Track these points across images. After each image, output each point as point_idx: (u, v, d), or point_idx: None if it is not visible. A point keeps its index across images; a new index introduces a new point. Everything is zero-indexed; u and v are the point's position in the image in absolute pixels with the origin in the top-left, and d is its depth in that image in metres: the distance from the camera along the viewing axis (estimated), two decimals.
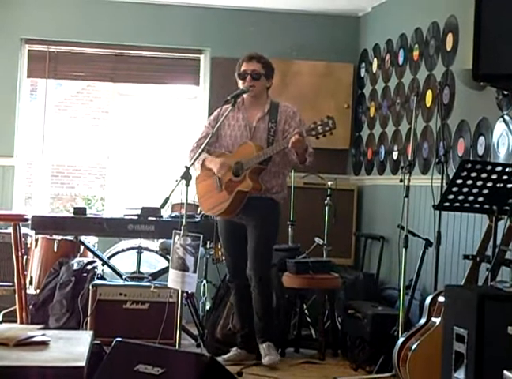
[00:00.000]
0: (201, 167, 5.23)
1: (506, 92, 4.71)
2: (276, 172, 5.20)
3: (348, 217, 6.89)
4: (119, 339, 3.57)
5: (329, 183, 6.32)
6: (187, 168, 4.55)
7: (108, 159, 7.45)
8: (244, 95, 5.23)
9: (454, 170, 4.06)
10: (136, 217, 5.70)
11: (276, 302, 5.50)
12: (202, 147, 4.94)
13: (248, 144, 5.13)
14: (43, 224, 5.64)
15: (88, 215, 5.78)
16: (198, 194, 5.33)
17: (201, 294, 6.15)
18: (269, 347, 5.15)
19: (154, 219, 5.69)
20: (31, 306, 5.59)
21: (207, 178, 5.24)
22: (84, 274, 5.67)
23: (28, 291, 5.51)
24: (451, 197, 4.02)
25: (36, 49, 7.09)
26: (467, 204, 4.07)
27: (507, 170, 3.91)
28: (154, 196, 7.56)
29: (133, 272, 5.92)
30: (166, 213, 5.93)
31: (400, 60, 6.40)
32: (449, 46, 5.54)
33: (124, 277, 5.81)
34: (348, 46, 7.28)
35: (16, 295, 5.08)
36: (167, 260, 5.74)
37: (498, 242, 3.93)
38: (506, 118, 4.75)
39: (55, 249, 5.86)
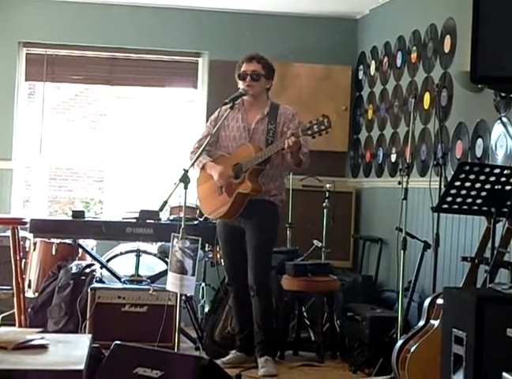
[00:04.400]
0: (200, 171, 5.23)
1: (503, 94, 4.72)
2: (274, 175, 5.19)
3: (347, 219, 6.90)
4: (118, 342, 3.57)
5: (328, 186, 6.31)
6: (186, 171, 4.55)
7: (106, 162, 7.45)
8: (244, 97, 5.23)
9: (452, 173, 4.06)
10: (134, 220, 5.70)
11: (274, 304, 5.50)
12: (202, 147, 4.94)
13: (246, 146, 5.13)
14: (41, 227, 5.64)
15: (86, 219, 5.78)
16: (199, 197, 5.33)
17: (200, 297, 6.14)
18: (267, 360, 5.10)
19: (153, 222, 5.69)
20: (29, 310, 5.58)
21: (207, 181, 5.23)
22: (83, 277, 5.66)
23: (27, 295, 5.51)
24: (449, 199, 4.02)
25: (34, 52, 7.10)
26: (465, 207, 4.07)
27: (505, 172, 3.91)
28: (152, 199, 7.55)
29: (132, 275, 5.91)
30: (164, 216, 5.93)
31: (398, 62, 6.41)
32: (447, 49, 5.54)
33: (123, 280, 5.81)
34: (346, 48, 7.29)
35: (15, 299, 5.08)
36: (166, 263, 5.74)
37: (497, 244, 3.93)
38: (504, 119, 4.75)
39: (54, 253, 5.86)
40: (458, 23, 5.38)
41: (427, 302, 4.38)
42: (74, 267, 5.73)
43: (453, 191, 3.98)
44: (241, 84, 5.22)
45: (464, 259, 4.24)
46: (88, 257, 6.04)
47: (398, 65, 6.41)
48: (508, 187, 3.94)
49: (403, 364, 4.29)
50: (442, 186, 4.90)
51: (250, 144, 5.13)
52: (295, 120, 5.18)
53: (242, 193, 5.06)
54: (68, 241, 5.85)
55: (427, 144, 5.75)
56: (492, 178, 3.92)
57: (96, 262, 5.92)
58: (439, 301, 4.22)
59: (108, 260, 6.08)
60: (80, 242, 5.84)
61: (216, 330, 5.55)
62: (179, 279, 4.43)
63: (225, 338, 5.50)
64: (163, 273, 5.68)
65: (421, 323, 4.39)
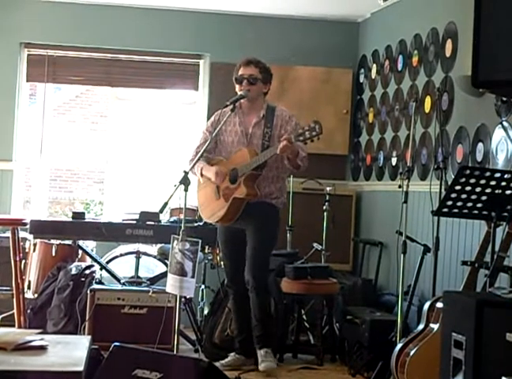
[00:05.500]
0: (201, 176, 5.23)
1: (504, 99, 4.72)
2: (275, 177, 5.19)
3: (347, 223, 6.89)
4: (117, 343, 3.57)
5: (328, 189, 6.32)
6: (186, 173, 4.55)
7: (107, 163, 7.45)
8: (241, 100, 5.23)
9: (453, 177, 4.06)
10: (134, 222, 5.70)
11: (274, 307, 5.50)
12: (199, 154, 4.95)
13: (243, 151, 5.13)
14: (41, 228, 5.63)
15: (86, 220, 5.77)
16: (199, 202, 5.34)
17: (200, 299, 6.14)
18: (266, 353, 5.12)
19: (153, 223, 5.69)
20: (29, 311, 5.58)
21: (206, 186, 5.24)
22: (83, 278, 5.67)
23: (26, 296, 5.51)
24: (450, 203, 4.02)
25: (35, 53, 7.10)
26: (465, 211, 4.07)
27: (506, 176, 3.91)
28: (153, 200, 7.56)
29: (132, 277, 5.90)
30: (164, 218, 5.93)
31: (400, 66, 6.41)
32: (448, 53, 5.55)
33: (122, 282, 5.80)
34: (347, 51, 7.29)
35: (15, 300, 5.07)
36: (166, 264, 5.74)
37: (497, 248, 3.92)
38: (505, 124, 4.75)
39: (53, 254, 5.85)
40: (460, 27, 5.38)
41: (426, 306, 4.38)
42: (74, 268, 5.73)
43: (453, 195, 3.98)
44: (238, 88, 5.23)
45: (464, 263, 4.24)
46: (87, 258, 6.04)
47: (399, 69, 6.41)
48: (508, 191, 3.94)
49: (402, 367, 4.29)
50: (443, 190, 4.90)
51: (246, 149, 5.13)
52: (292, 122, 5.18)
53: (238, 198, 5.06)
54: (68, 242, 5.84)
55: (428, 147, 5.75)
56: (493, 183, 3.92)
57: (95, 263, 5.92)
58: (439, 304, 4.21)
59: (108, 262, 6.08)
60: (80, 243, 5.84)
61: (215, 332, 5.55)
62: (179, 281, 4.43)
63: (224, 340, 5.50)
64: (163, 275, 5.68)
65: (420, 326, 4.39)
